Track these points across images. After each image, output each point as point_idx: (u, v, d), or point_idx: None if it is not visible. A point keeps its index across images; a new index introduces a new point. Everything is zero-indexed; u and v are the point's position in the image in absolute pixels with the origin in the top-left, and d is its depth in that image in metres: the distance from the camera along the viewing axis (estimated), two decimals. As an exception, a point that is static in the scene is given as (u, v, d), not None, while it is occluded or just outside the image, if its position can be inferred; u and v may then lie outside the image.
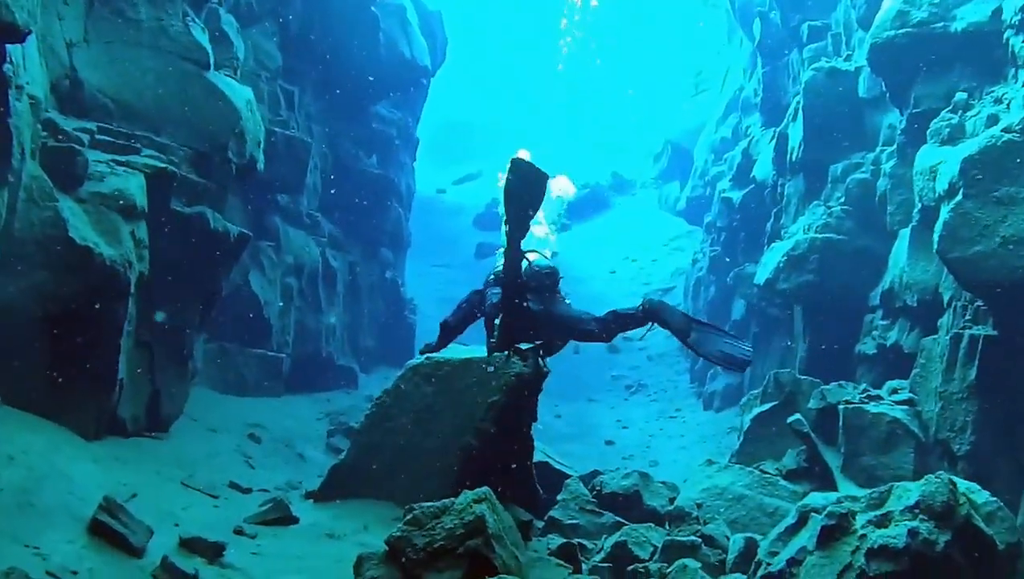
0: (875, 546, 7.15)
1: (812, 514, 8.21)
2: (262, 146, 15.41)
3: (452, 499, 7.82)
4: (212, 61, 14.30)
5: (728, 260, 25.30)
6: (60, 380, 10.50)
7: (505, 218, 8.74)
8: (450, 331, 10.76)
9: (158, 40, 13.58)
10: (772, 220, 21.13)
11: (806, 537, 7.92)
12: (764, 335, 21.89)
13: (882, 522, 7.38)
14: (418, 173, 31.29)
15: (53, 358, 10.50)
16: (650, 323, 9.36)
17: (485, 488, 7.86)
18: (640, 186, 44.79)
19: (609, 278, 33.98)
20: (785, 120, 21.14)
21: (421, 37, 26.32)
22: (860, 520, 7.53)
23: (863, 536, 7.34)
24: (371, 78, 23.46)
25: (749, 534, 9.94)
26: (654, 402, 25.66)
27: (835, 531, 7.52)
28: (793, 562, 7.80)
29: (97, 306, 10.84)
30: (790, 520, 8.55)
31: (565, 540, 10.41)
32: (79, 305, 10.62)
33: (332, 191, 23.21)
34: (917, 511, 7.27)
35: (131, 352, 12.32)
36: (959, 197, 11.90)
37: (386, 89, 25.08)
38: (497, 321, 9.62)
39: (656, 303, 9.53)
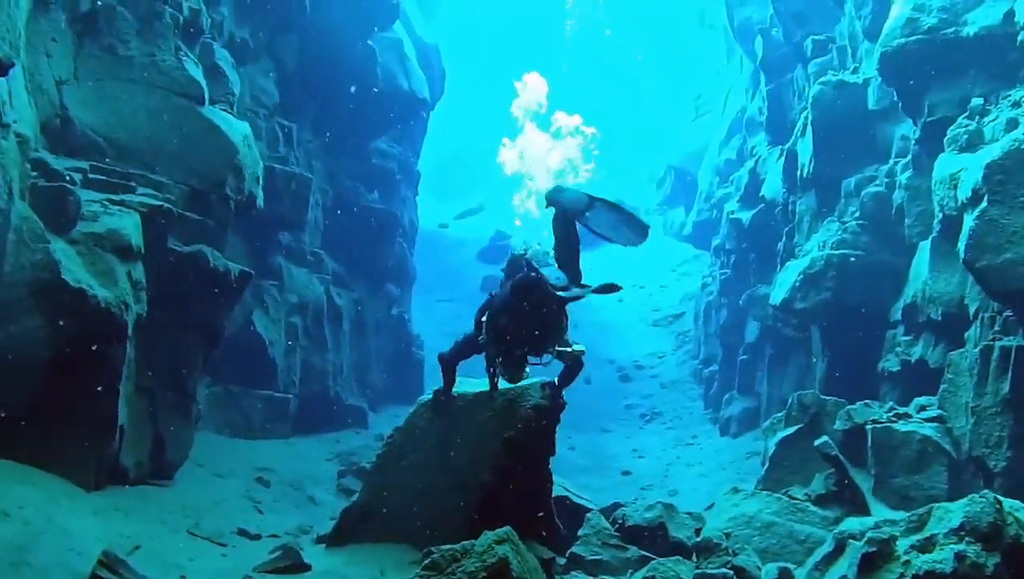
0: (920, 572, 6.89)
1: (850, 541, 8.01)
2: (261, 182, 15.14)
3: (472, 541, 7.40)
4: (207, 96, 14.06)
5: (739, 282, 25.01)
6: (56, 429, 10.18)
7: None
8: (449, 366, 10.52)
9: (150, 76, 13.33)
10: (784, 239, 20.84)
11: (845, 565, 7.68)
12: (780, 356, 21.51)
13: (925, 546, 7.16)
14: (420, 208, 31.07)
15: (48, 406, 10.15)
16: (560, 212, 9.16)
17: (507, 528, 7.45)
18: (644, 213, 44.53)
19: (618, 307, 33.63)
20: (793, 137, 20.95)
21: (419, 70, 26.26)
22: (902, 545, 7.32)
23: (907, 562, 7.12)
24: (370, 111, 23.29)
25: (782, 563, 9.56)
26: (669, 430, 25.28)
27: (876, 558, 7.29)
28: (834, 592, 7.47)
29: (93, 350, 10.51)
30: (827, 548, 8.32)
31: (589, 577, 10.03)
32: (74, 350, 10.29)
33: (335, 227, 22.92)
34: (963, 533, 7.05)
35: (131, 397, 11.98)
36: (984, 204, 11.64)
37: (385, 123, 24.96)
38: (483, 318, 9.46)
39: (552, 191, 9.32)
